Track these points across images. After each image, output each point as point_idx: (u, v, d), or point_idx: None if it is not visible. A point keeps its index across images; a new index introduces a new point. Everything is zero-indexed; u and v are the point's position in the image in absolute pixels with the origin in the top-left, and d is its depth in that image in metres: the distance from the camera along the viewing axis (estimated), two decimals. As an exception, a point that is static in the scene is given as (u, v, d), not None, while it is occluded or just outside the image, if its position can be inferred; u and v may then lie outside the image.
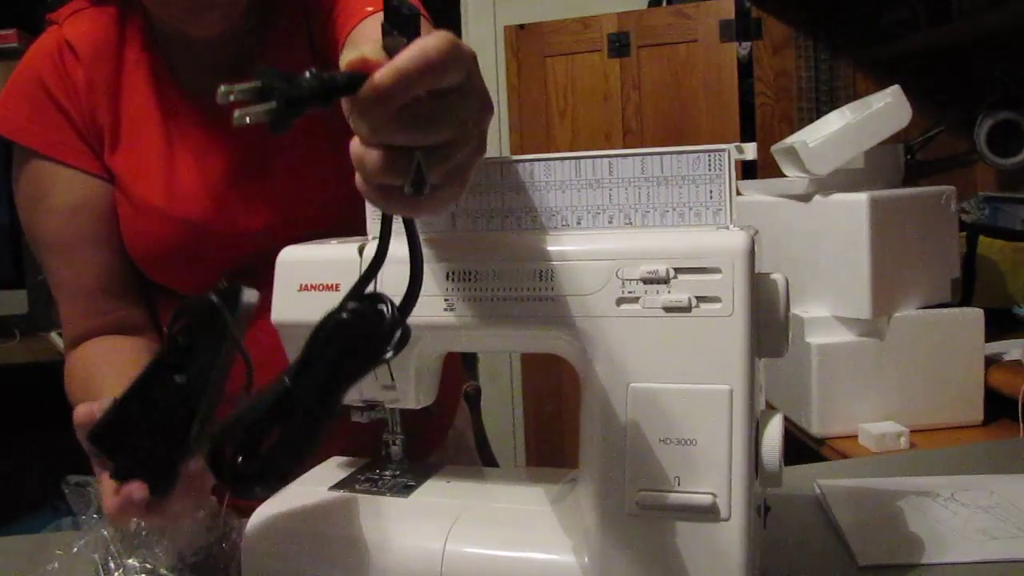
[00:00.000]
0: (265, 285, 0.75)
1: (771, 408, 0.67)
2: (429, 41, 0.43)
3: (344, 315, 0.50)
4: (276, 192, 0.89)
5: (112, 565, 0.71)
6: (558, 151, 0.68)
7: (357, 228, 0.74)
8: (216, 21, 0.83)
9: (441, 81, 0.44)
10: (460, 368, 1.11)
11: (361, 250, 0.69)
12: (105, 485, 0.65)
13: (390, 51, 0.45)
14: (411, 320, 0.67)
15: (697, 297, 0.60)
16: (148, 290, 0.95)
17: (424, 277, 0.67)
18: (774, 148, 1.50)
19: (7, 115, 0.90)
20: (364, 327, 0.50)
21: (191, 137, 0.89)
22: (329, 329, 0.50)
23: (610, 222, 0.67)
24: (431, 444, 1.01)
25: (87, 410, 0.64)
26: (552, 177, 0.69)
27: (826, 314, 1.42)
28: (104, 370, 0.85)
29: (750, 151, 0.63)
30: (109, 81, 0.89)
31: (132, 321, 0.92)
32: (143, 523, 0.68)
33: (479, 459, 1.14)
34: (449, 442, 1.04)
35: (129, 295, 0.92)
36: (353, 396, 0.74)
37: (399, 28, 0.46)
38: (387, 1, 0.47)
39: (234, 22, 0.85)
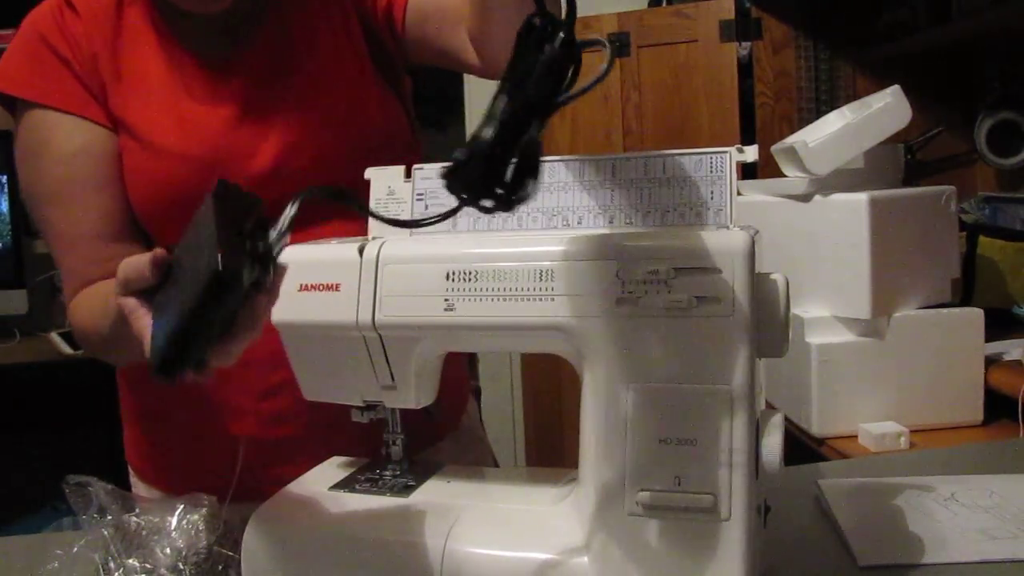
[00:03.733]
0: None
1: (771, 408, 0.67)
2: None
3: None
4: (284, 134, 0.89)
5: (112, 565, 0.71)
6: (558, 151, 0.68)
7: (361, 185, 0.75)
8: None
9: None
10: (465, 367, 1.11)
11: (361, 250, 0.69)
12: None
13: None
14: (411, 319, 0.67)
15: (697, 297, 0.60)
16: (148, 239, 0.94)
17: (424, 277, 0.67)
18: (774, 148, 1.50)
19: (8, 73, 0.91)
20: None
21: (197, 87, 0.90)
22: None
23: (611, 222, 0.67)
24: (439, 433, 1.01)
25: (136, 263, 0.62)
26: (555, 178, 0.69)
27: (826, 314, 1.42)
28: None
29: (751, 153, 0.63)
30: (108, 39, 0.90)
31: None
32: (143, 523, 0.69)
33: (491, 451, 1.14)
34: (462, 431, 1.05)
35: (131, 241, 0.91)
36: (353, 397, 0.75)
37: None
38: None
39: None
